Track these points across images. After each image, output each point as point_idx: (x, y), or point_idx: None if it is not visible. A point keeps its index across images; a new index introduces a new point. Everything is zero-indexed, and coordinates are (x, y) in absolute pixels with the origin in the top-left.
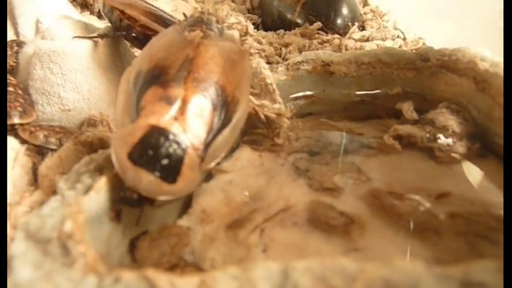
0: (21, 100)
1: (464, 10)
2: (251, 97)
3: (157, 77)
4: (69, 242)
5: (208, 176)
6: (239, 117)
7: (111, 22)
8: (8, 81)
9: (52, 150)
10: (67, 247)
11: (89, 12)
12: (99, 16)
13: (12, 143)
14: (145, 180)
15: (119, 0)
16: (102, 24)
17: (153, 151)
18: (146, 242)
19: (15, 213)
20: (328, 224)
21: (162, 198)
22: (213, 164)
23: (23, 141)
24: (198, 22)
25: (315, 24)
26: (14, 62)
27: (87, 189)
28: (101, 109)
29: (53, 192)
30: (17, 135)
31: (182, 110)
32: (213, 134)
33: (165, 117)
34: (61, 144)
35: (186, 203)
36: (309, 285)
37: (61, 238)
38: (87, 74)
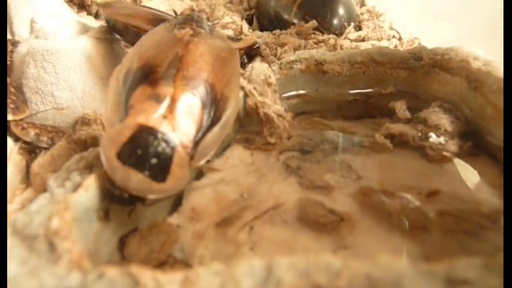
0: (13, 97)
1: (460, 10)
2: (255, 92)
3: (147, 76)
4: (55, 239)
5: (199, 174)
6: (229, 115)
7: (117, 31)
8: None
9: (44, 148)
10: (53, 244)
11: (86, 13)
12: (96, 16)
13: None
14: (135, 180)
15: (121, 11)
16: (98, 24)
17: (141, 150)
18: (136, 239)
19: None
20: (318, 222)
21: (152, 197)
22: (202, 162)
23: (16, 140)
24: (188, 20)
25: (310, 22)
26: (8, 60)
27: (76, 187)
28: (95, 108)
29: (45, 190)
30: (10, 133)
31: (171, 108)
32: (203, 131)
33: (153, 116)
34: (53, 144)
35: (177, 201)
36: (292, 281)
37: (47, 235)
38: (81, 73)
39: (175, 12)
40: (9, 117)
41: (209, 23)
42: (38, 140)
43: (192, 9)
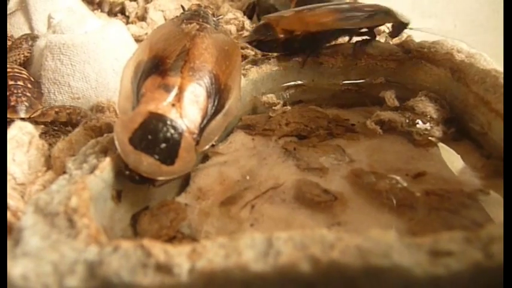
0: (28, 94)
1: (445, 8)
2: None
3: (157, 67)
4: (74, 216)
5: (205, 157)
6: (231, 103)
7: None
8: (19, 74)
9: (62, 133)
10: (72, 220)
11: (99, 10)
12: (109, 13)
13: (27, 127)
14: (146, 163)
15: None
16: (111, 20)
17: (152, 136)
18: (147, 217)
19: (29, 191)
20: (314, 201)
21: (161, 178)
22: (207, 147)
23: (37, 126)
24: (195, 15)
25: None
26: (28, 53)
27: (93, 169)
28: (107, 97)
29: (64, 172)
30: (30, 120)
31: (179, 97)
32: (207, 119)
33: (163, 104)
34: (71, 119)
35: (184, 182)
36: (290, 252)
37: (67, 212)
38: (95, 64)
39: (183, 7)
40: (23, 115)
41: (214, 19)
42: (58, 116)
43: (199, 5)
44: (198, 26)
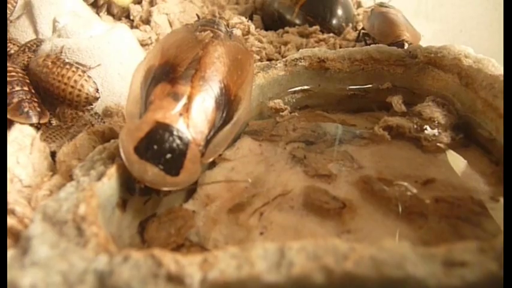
0: (35, 99)
1: (450, 11)
2: None
3: (167, 74)
4: (83, 224)
5: (212, 163)
6: (240, 115)
7: None
8: (22, 79)
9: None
10: (81, 228)
11: (106, 13)
12: (115, 17)
13: (27, 129)
14: (150, 173)
15: None
16: (116, 23)
17: (157, 146)
18: (155, 224)
19: (35, 196)
20: (322, 208)
21: (165, 189)
22: (212, 159)
23: (37, 128)
24: (210, 23)
25: (314, 27)
26: (29, 57)
27: (100, 176)
28: (113, 101)
29: (70, 176)
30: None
31: (187, 107)
32: (215, 130)
33: (171, 113)
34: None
35: (192, 189)
36: (303, 263)
37: (76, 220)
38: (100, 69)
39: (198, 16)
40: (35, 120)
41: (228, 28)
42: None
43: (214, 16)
44: (212, 34)
